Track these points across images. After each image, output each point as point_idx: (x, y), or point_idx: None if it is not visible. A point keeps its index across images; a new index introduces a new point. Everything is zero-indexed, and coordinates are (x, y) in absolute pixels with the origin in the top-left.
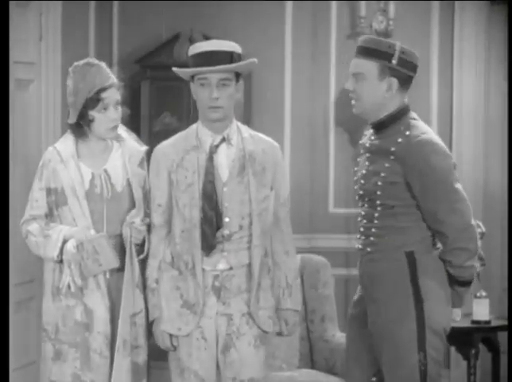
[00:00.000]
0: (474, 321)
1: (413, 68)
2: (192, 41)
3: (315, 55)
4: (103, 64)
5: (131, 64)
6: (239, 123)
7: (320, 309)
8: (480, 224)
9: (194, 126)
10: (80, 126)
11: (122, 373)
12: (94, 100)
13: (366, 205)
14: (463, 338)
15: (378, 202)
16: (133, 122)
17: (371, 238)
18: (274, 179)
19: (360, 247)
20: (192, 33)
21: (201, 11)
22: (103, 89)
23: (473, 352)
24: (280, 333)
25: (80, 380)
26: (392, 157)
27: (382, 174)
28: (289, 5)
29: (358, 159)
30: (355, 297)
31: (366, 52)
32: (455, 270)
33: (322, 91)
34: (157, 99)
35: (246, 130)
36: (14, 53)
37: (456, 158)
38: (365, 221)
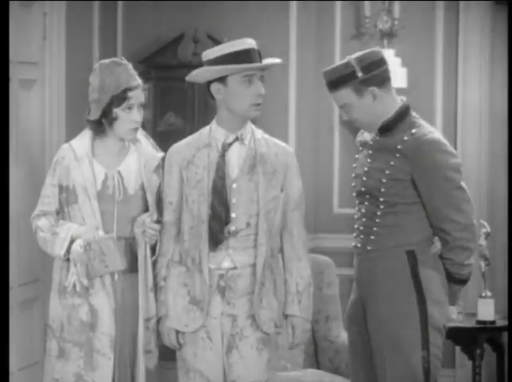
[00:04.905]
0: (479, 322)
1: (379, 63)
2: (195, 42)
3: (319, 55)
4: (130, 65)
5: (135, 64)
6: (253, 126)
7: (324, 310)
8: (485, 224)
9: (208, 126)
10: (101, 124)
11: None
12: (120, 98)
13: (366, 203)
14: (468, 338)
15: (381, 199)
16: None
17: (372, 236)
18: (285, 182)
19: (359, 245)
20: (196, 33)
21: (205, 11)
22: (130, 88)
23: (478, 352)
24: (289, 346)
25: (83, 379)
26: (397, 155)
27: (387, 171)
28: (294, 5)
29: (357, 156)
30: (352, 297)
31: (332, 85)
32: (455, 268)
33: (327, 91)
34: (161, 100)
35: (260, 133)
36: (18, 53)
37: (461, 158)
38: (364, 219)
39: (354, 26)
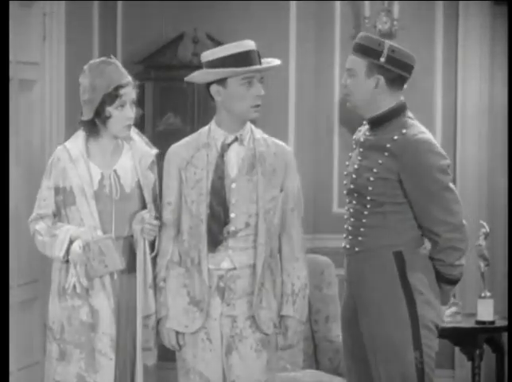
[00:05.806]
0: (478, 322)
1: (405, 67)
2: (195, 42)
3: (319, 55)
4: (119, 63)
5: (135, 64)
6: (253, 126)
7: (324, 310)
8: (485, 224)
9: (207, 126)
10: (94, 124)
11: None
12: (112, 96)
13: (354, 202)
14: (467, 339)
15: (368, 198)
16: (136, 123)
17: (359, 237)
18: (284, 182)
19: (347, 246)
20: (196, 33)
21: (205, 11)
22: (121, 86)
23: (477, 352)
24: (281, 346)
25: (85, 381)
26: (386, 154)
27: (375, 170)
28: (293, 5)
29: (351, 154)
30: (344, 297)
31: (358, 48)
32: (446, 269)
33: (326, 91)
34: (161, 100)
35: (258, 133)
36: (18, 53)
37: (461, 160)
38: (352, 220)
39: (353, 26)
